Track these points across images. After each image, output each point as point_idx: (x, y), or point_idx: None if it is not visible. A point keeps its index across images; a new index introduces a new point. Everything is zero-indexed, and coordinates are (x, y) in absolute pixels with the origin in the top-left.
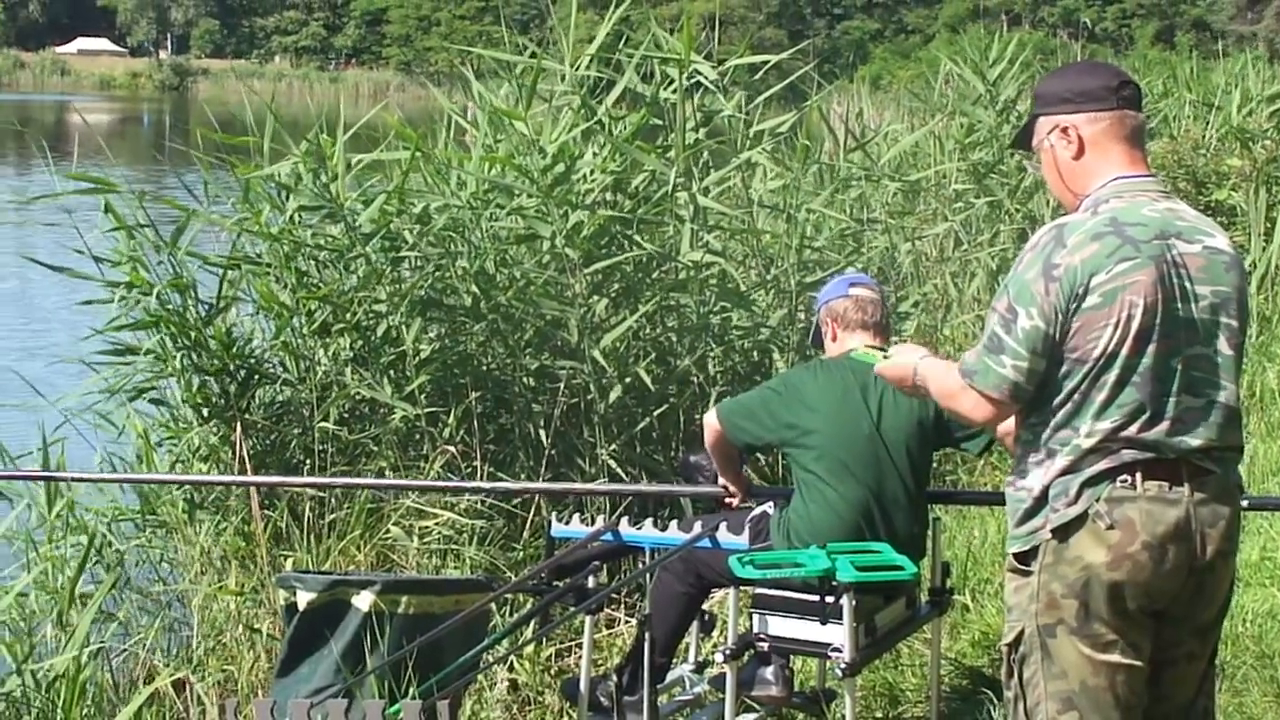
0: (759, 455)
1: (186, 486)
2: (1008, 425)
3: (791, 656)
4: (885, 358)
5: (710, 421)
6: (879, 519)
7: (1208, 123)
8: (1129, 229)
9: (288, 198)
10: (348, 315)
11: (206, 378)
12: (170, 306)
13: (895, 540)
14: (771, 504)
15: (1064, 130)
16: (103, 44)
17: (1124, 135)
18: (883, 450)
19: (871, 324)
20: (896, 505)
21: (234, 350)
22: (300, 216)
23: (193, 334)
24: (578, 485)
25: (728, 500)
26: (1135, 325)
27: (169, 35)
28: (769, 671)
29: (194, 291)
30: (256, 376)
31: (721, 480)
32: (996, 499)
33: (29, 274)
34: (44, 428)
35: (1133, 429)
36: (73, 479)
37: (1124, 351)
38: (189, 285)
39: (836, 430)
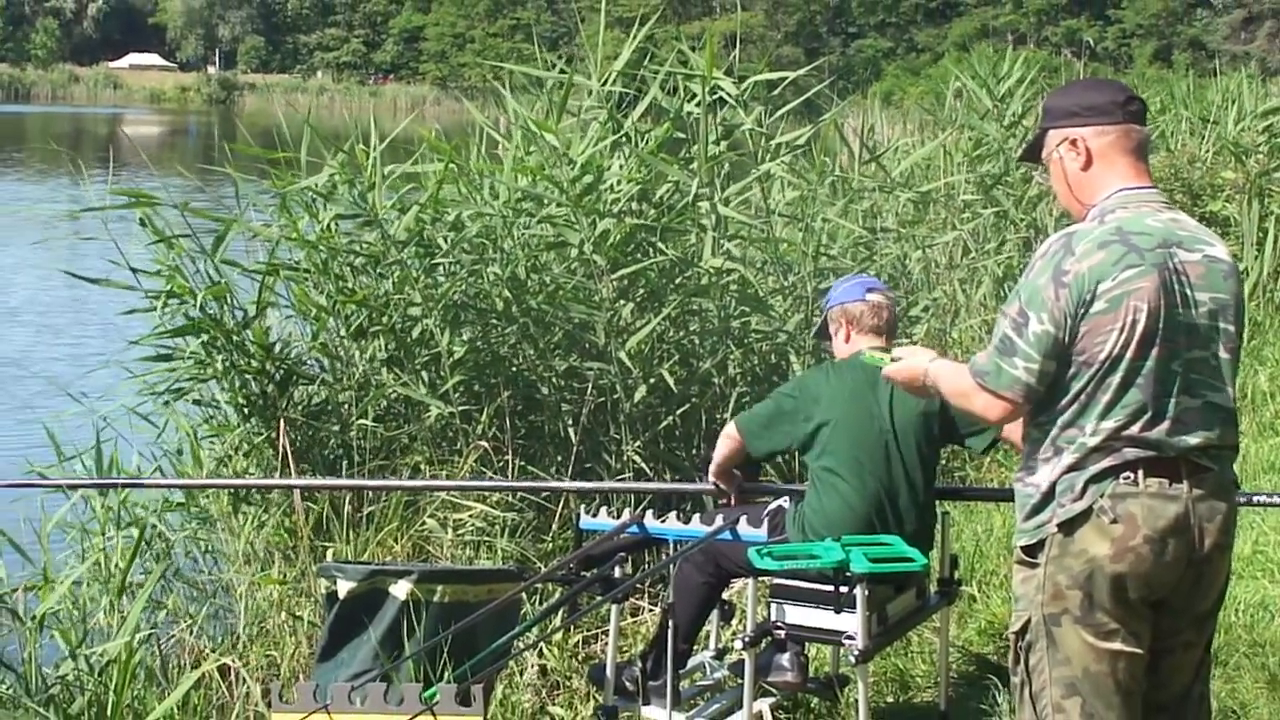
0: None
1: (226, 480)
2: (1012, 424)
3: (806, 644)
4: (892, 360)
5: (730, 433)
6: (890, 512)
7: (1203, 138)
8: (1134, 238)
9: (325, 206)
10: (384, 318)
11: (247, 378)
12: (210, 312)
13: (905, 532)
14: (787, 498)
15: (1072, 143)
16: (153, 59)
17: (1129, 148)
18: (893, 446)
19: (884, 328)
20: (906, 499)
21: (272, 352)
22: (336, 224)
23: (233, 338)
24: (604, 484)
25: (721, 501)
26: (1139, 330)
27: (216, 51)
28: (785, 658)
29: (232, 298)
30: (295, 377)
31: (713, 479)
32: (1002, 495)
33: (72, 284)
34: (97, 427)
35: (1135, 428)
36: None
37: (1128, 355)
38: (227, 292)
39: (849, 428)
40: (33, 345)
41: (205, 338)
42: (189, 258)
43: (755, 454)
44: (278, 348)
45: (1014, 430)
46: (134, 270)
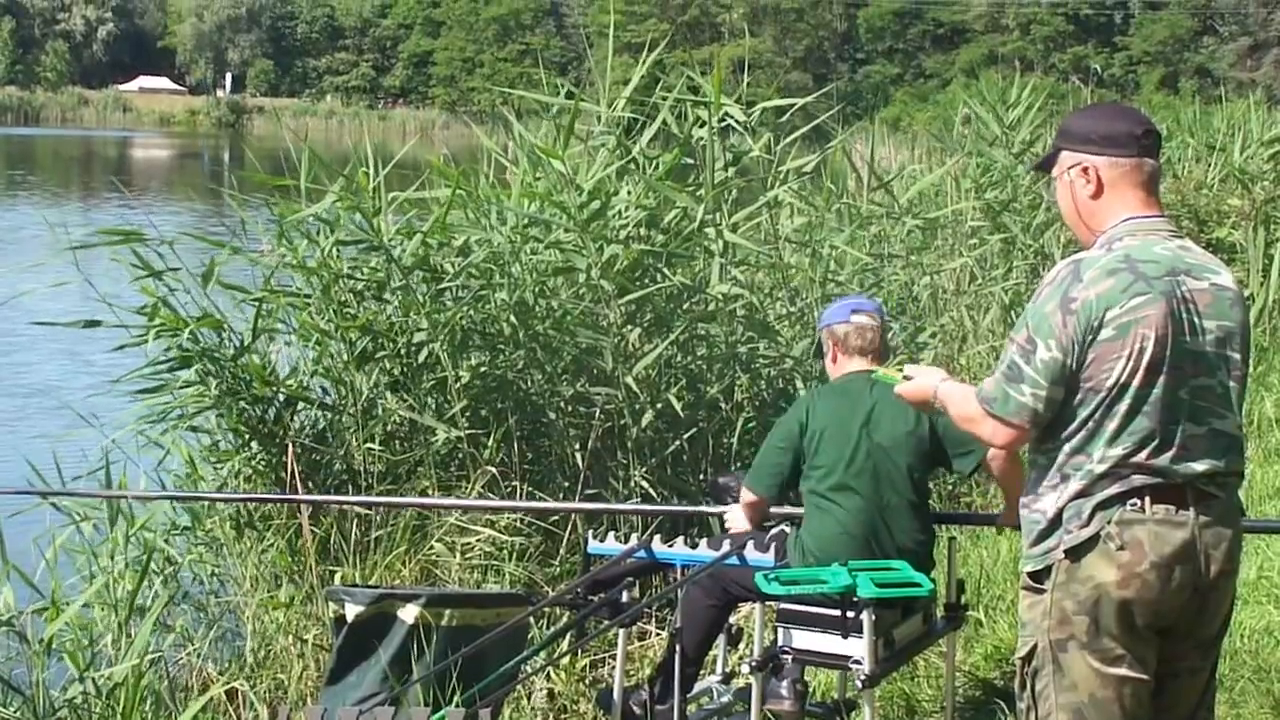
0: None
1: (235, 506)
2: (994, 451)
3: (805, 670)
4: (905, 378)
5: (747, 497)
6: (884, 531)
7: (1209, 165)
8: (1141, 265)
9: (330, 231)
10: (389, 343)
11: (245, 405)
12: (202, 343)
13: (902, 550)
14: (788, 524)
15: (1085, 170)
16: (163, 82)
17: (1141, 181)
18: (883, 464)
19: (870, 350)
20: (900, 516)
21: (271, 378)
22: (338, 250)
23: (226, 367)
24: (613, 505)
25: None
26: (1147, 357)
27: (226, 74)
28: (783, 686)
29: (229, 326)
30: (298, 402)
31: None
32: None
33: (89, 307)
34: (104, 450)
35: (1142, 455)
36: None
37: (1135, 382)
38: (219, 324)
39: (837, 452)
40: (43, 369)
41: (197, 367)
42: (184, 289)
43: (774, 495)
44: (281, 373)
45: (994, 456)
46: (109, 305)
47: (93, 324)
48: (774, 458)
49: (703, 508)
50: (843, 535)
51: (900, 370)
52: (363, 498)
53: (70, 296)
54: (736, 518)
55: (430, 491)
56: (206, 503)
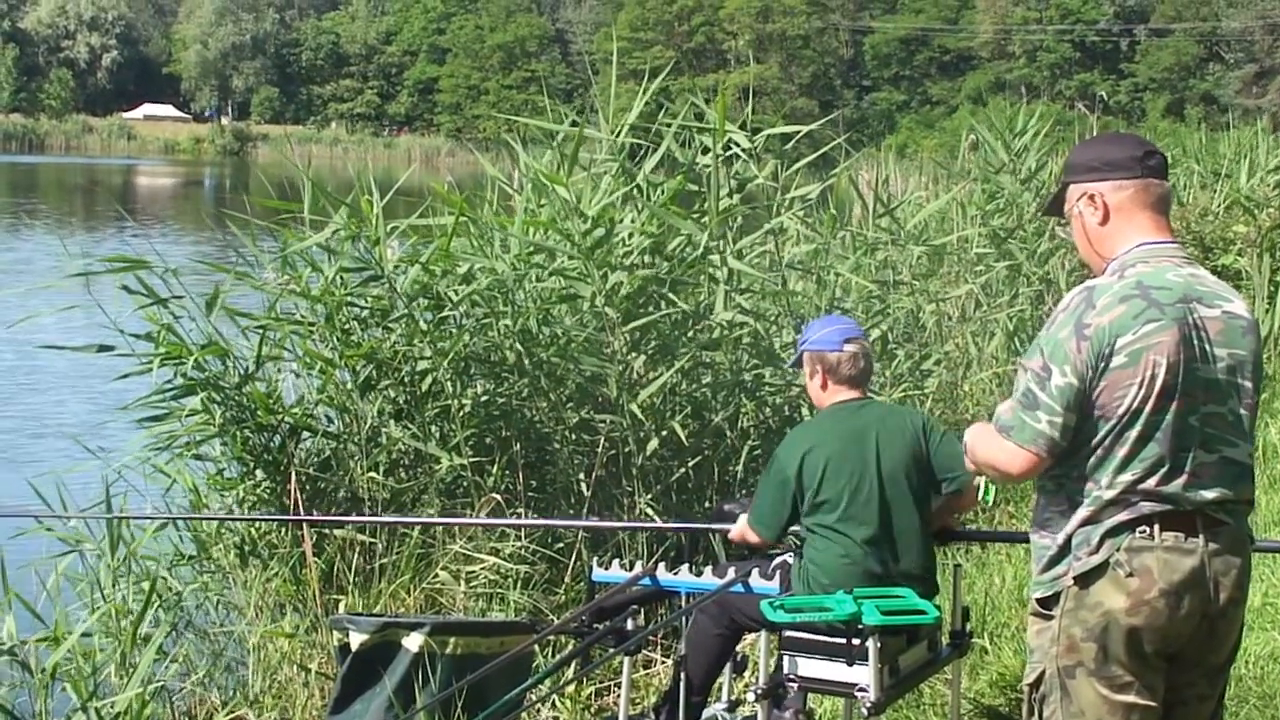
0: None
1: (239, 531)
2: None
3: (812, 698)
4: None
5: (751, 538)
6: (889, 557)
7: (1215, 191)
8: (1154, 292)
9: (334, 259)
10: (392, 371)
11: (249, 433)
12: (207, 370)
13: (907, 575)
14: (791, 553)
15: (1091, 198)
16: (167, 110)
17: (1149, 203)
18: (890, 492)
19: (860, 378)
20: (904, 541)
21: (275, 406)
22: (342, 278)
23: (230, 395)
24: (615, 524)
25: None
26: (1159, 384)
27: (230, 102)
28: (786, 716)
29: (232, 353)
30: (303, 430)
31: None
32: (1013, 537)
33: (94, 335)
34: (107, 481)
35: (1152, 482)
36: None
37: (1147, 409)
38: (226, 350)
39: (843, 484)
40: (48, 397)
41: (202, 395)
42: (189, 315)
43: (777, 538)
44: (286, 401)
45: (968, 489)
46: (120, 331)
47: (106, 348)
48: (774, 502)
49: (702, 525)
50: (850, 565)
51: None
52: (362, 518)
53: (76, 325)
54: (739, 529)
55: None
56: (211, 532)
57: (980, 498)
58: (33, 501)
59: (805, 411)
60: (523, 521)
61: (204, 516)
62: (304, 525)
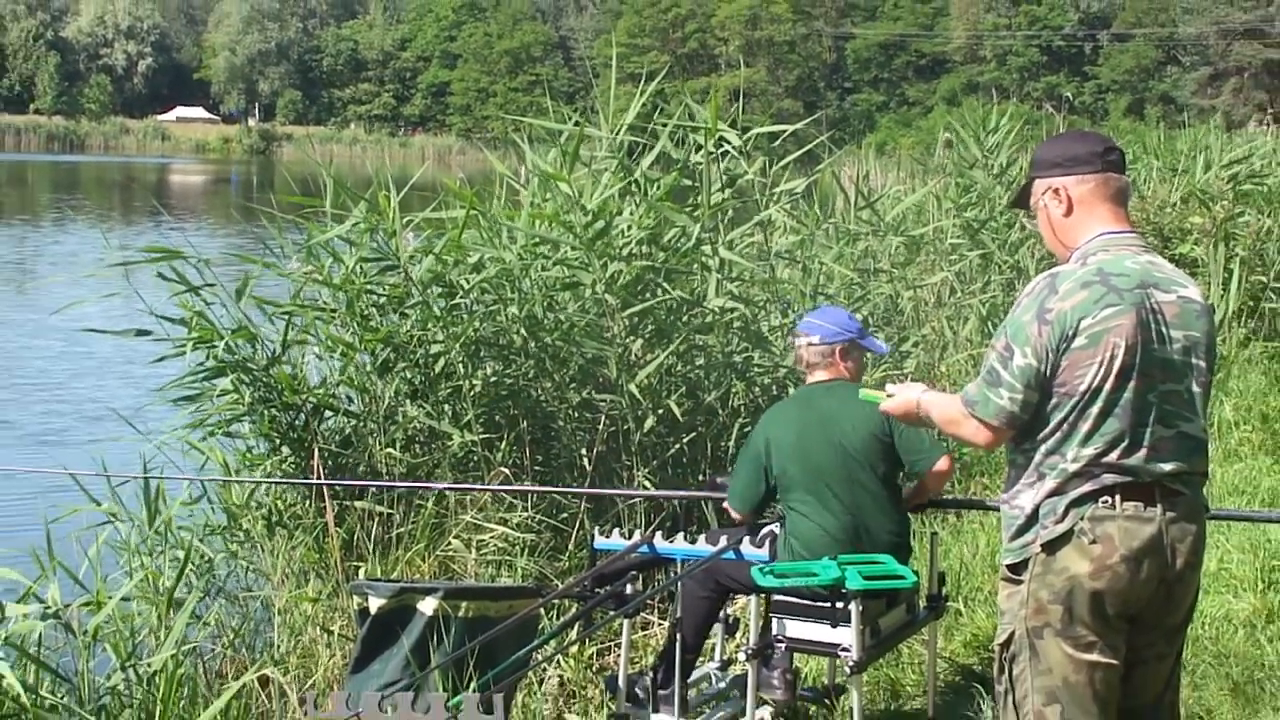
0: None
1: (266, 504)
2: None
3: (797, 657)
4: (889, 396)
5: (734, 516)
6: (862, 528)
7: (1173, 185)
8: (1114, 279)
9: (354, 250)
10: (408, 354)
11: (276, 412)
12: (236, 353)
13: (880, 544)
14: (778, 524)
15: (1055, 191)
16: (198, 112)
17: (1109, 195)
18: (854, 468)
19: (829, 363)
20: (875, 513)
21: (299, 387)
22: (361, 267)
23: (257, 376)
24: (615, 490)
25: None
26: (1118, 364)
27: (257, 104)
28: (775, 676)
29: (260, 337)
30: (325, 410)
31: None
32: (984, 505)
33: (132, 322)
34: (145, 458)
35: (1113, 455)
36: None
37: (1107, 387)
38: (254, 335)
39: (809, 463)
40: (84, 382)
41: (232, 377)
42: (220, 303)
43: (753, 514)
44: (310, 382)
45: (938, 469)
46: (159, 317)
47: (144, 333)
48: (746, 479)
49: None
50: (825, 537)
51: (883, 389)
52: (392, 483)
53: (116, 312)
54: (727, 504)
55: (447, 493)
56: (241, 504)
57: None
58: (80, 488)
59: (793, 391)
60: (530, 488)
61: (230, 480)
62: (326, 496)
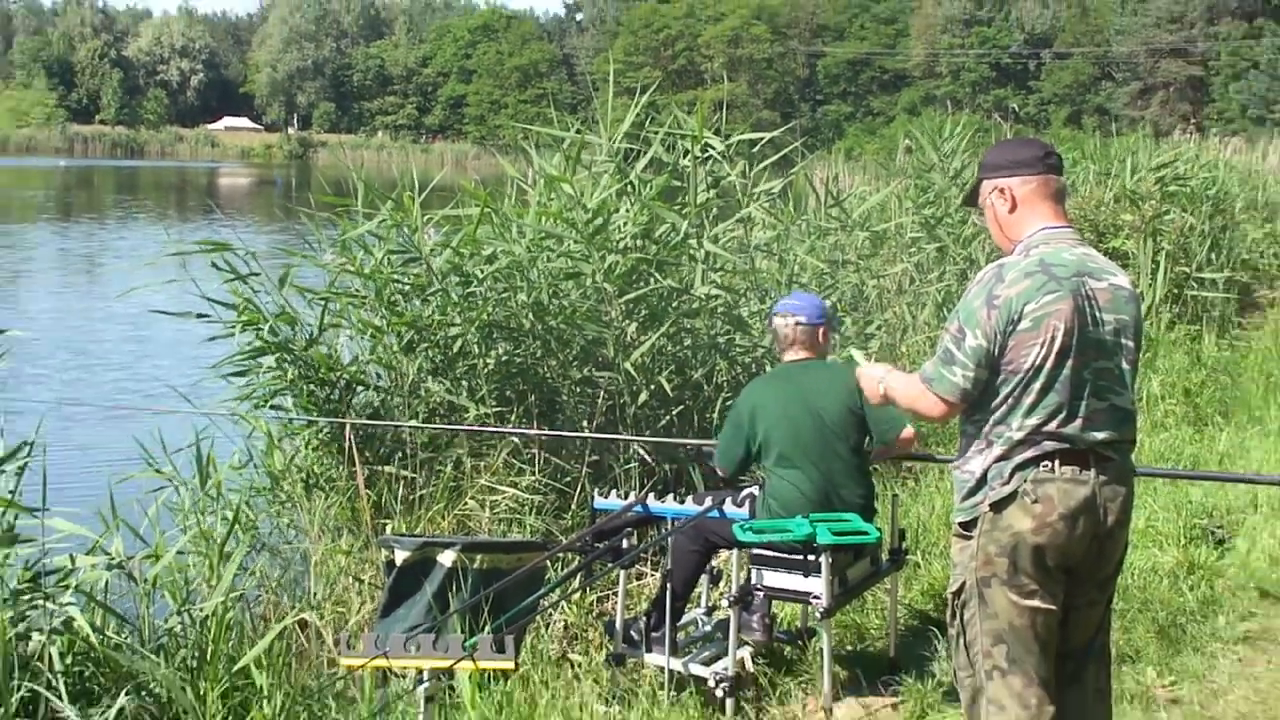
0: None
1: (305, 469)
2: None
3: (774, 604)
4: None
5: (720, 473)
6: (832, 490)
7: (1107, 186)
8: (1053, 268)
9: (382, 244)
10: (429, 336)
11: (313, 388)
12: (279, 335)
13: (848, 504)
14: (757, 486)
15: (1001, 190)
16: (244, 122)
17: (1048, 195)
18: (827, 436)
19: (807, 343)
20: (844, 477)
21: (334, 365)
22: (389, 259)
23: (298, 356)
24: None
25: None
26: (1057, 344)
27: (295, 115)
28: (754, 620)
29: (300, 321)
30: (357, 385)
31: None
32: (937, 459)
33: (190, 305)
34: (196, 429)
35: (1053, 425)
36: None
37: (1048, 365)
38: (294, 319)
39: (787, 431)
40: (141, 361)
41: (276, 356)
42: (265, 290)
43: (736, 473)
44: (343, 360)
45: (903, 438)
46: (213, 302)
47: (202, 316)
48: (730, 443)
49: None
50: (801, 498)
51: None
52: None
53: (174, 298)
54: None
55: (463, 459)
56: (282, 469)
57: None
58: (142, 454)
59: (770, 369)
60: (537, 432)
61: (276, 417)
62: (357, 462)
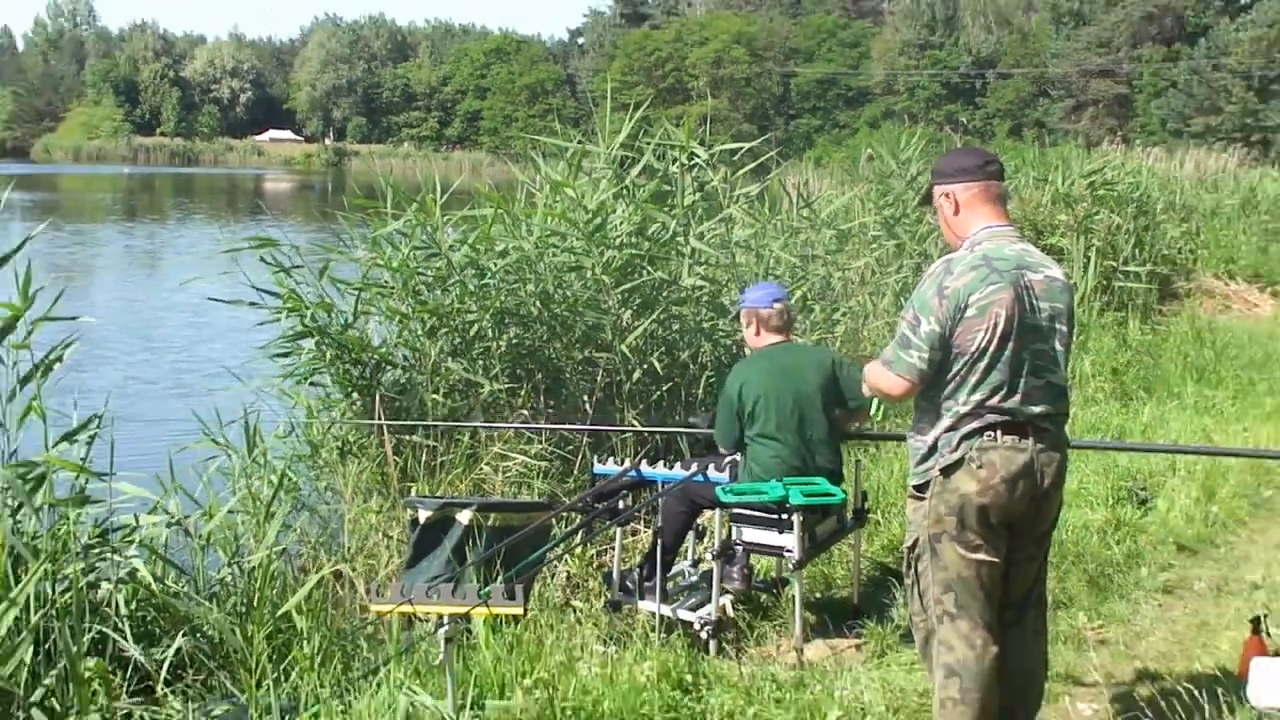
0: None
1: (340, 438)
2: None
3: (752, 557)
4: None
5: (723, 451)
6: (807, 458)
7: (1044, 190)
8: (995, 262)
9: (405, 241)
10: (449, 321)
11: (348, 366)
12: (319, 321)
13: (820, 469)
14: (739, 454)
15: (948, 195)
16: (286, 134)
17: (989, 198)
18: (807, 411)
19: (784, 327)
20: (818, 447)
21: (365, 347)
22: (414, 254)
23: (335, 339)
24: (611, 427)
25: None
26: (999, 329)
27: (332, 127)
28: (734, 571)
29: (337, 309)
30: (386, 364)
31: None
32: (897, 437)
33: (241, 294)
34: (245, 404)
35: (995, 400)
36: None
37: (991, 347)
38: (331, 306)
39: (770, 403)
40: (198, 345)
41: (315, 339)
42: (306, 282)
43: (735, 449)
44: (374, 343)
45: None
46: (261, 291)
47: (253, 304)
48: (726, 422)
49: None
50: (778, 462)
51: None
52: (438, 422)
53: (227, 288)
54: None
55: (479, 431)
56: (320, 438)
57: (871, 414)
58: (198, 426)
59: (748, 352)
60: (540, 426)
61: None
62: (385, 433)
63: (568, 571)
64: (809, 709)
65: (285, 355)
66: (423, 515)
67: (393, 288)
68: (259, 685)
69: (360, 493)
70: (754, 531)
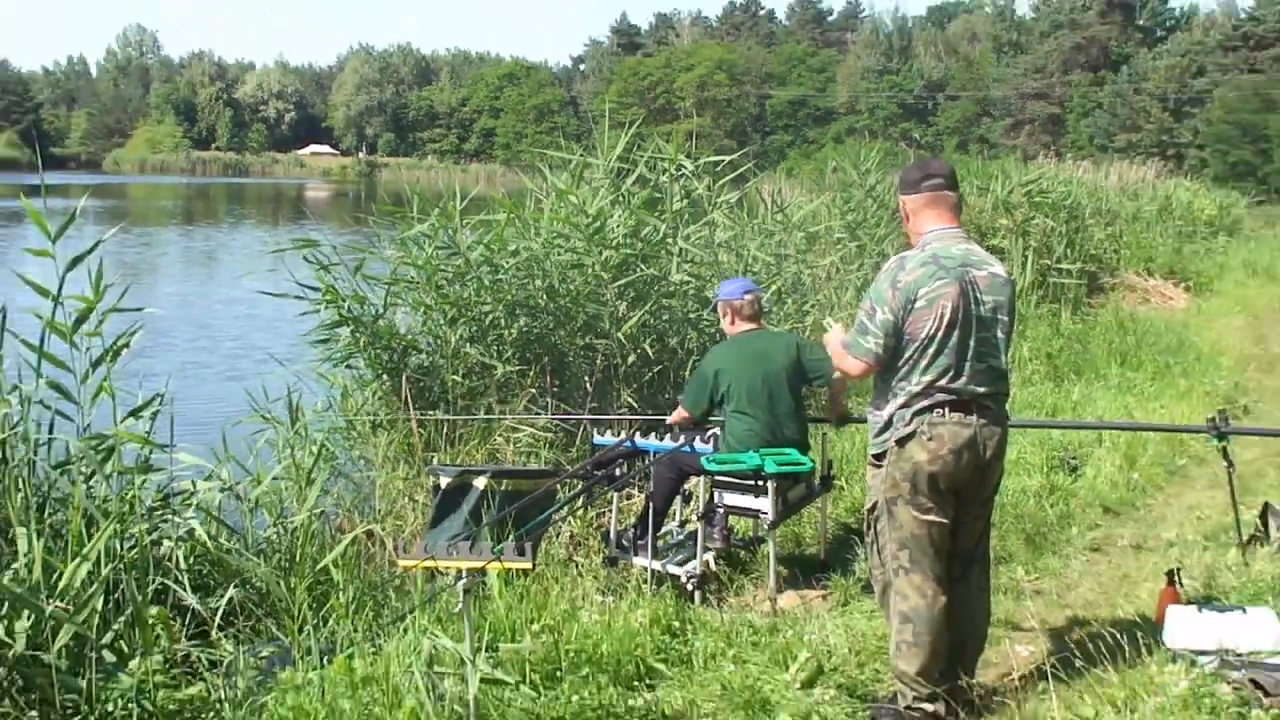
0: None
1: (372, 413)
2: (836, 380)
3: (731, 519)
4: (826, 327)
5: (681, 413)
6: (776, 430)
7: (987, 198)
8: (943, 260)
9: (431, 241)
10: (467, 312)
11: (379, 352)
12: (354, 312)
13: (789, 441)
14: (719, 428)
15: (902, 203)
16: (325, 148)
17: (936, 204)
18: (775, 388)
19: (756, 315)
20: (787, 421)
21: (394, 334)
22: (436, 253)
23: (368, 328)
24: (609, 415)
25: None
26: (946, 319)
27: (365, 143)
28: (715, 531)
29: (369, 301)
30: (411, 350)
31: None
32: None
33: (286, 289)
34: (288, 384)
35: (944, 381)
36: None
37: (939, 335)
38: (364, 299)
39: (743, 383)
40: (249, 333)
41: (351, 328)
42: (342, 279)
43: (698, 416)
44: (401, 331)
45: (835, 383)
46: (304, 285)
47: (300, 297)
48: (696, 392)
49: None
50: (752, 435)
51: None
52: (455, 415)
53: (273, 286)
54: (677, 413)
55: (493, 406)
56: (354, 413)
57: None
58: (248, 403)
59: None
60: (545, 417)
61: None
62: (411, 410)
63: (571, 531)
64: (782, 651)
65: (324, 342)
66: (444, 481)
67: (418, 283)
68: (300, 630)
69: (389, 461)
70: (733, 496)
